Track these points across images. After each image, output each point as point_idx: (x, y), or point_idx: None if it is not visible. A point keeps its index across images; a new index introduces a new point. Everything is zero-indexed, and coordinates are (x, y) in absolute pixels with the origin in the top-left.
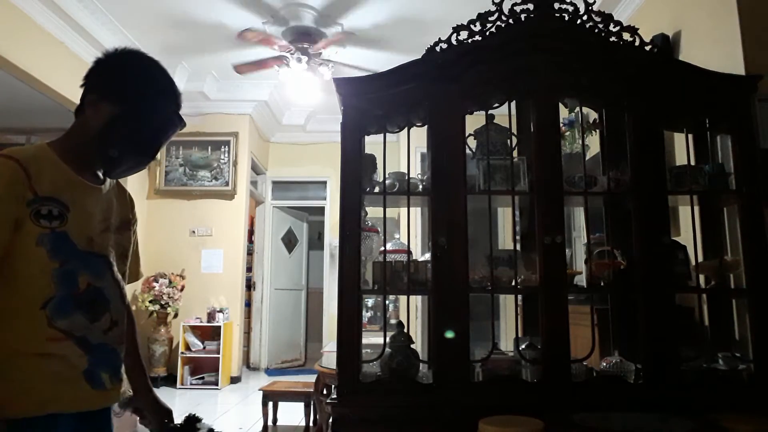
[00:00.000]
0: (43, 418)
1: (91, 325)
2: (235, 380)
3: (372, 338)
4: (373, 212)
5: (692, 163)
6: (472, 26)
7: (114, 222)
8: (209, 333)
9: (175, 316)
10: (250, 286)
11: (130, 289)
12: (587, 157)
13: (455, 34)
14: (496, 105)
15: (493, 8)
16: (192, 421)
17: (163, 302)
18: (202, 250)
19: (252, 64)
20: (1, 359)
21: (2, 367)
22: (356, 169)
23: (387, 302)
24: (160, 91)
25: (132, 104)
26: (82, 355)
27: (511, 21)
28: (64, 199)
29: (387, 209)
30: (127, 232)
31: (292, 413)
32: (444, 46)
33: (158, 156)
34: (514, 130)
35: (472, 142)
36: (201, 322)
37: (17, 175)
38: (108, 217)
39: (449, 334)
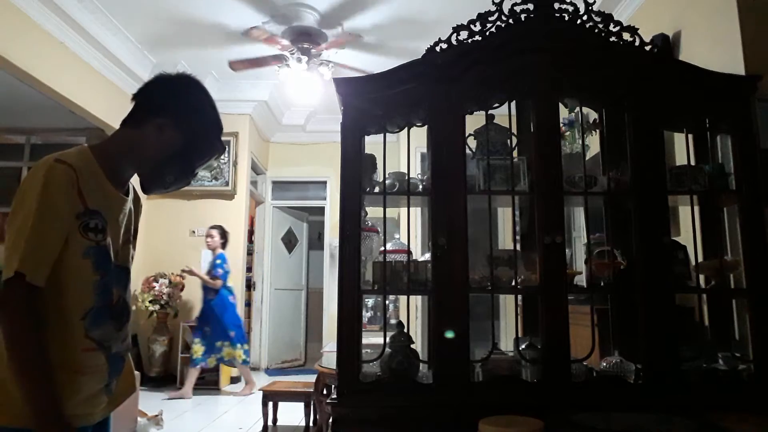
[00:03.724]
0: None
1: (117, 334)
2: (235, 380)
3: (372, 338)
4: (373, 212)
5: (692, 163)
6: (472, 26)
7: (131, 232)
8: None
9: (175, 316)
10: (250, 286)
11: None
12: (587, 157)
13: (455, 34)
14: (496, 105)
15: (493, 8)
16: None
17: (163, 302)
18: (202, 250)
19: (248, 61)
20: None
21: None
22: (356, 169)
23: (387, 302)
24: (216, 124)
25: (200, 141)
26: (104, 365)
27: (511, 21)
28: (105, 213)
29: (387, 209)
30: (134, 240)
31: (292, 413)
32: (444, 46)
33: None
34: (514, 130)
35: (472, 142)
36: None
37: (73, 186)
38: (129, 228)
39: (449, 334)
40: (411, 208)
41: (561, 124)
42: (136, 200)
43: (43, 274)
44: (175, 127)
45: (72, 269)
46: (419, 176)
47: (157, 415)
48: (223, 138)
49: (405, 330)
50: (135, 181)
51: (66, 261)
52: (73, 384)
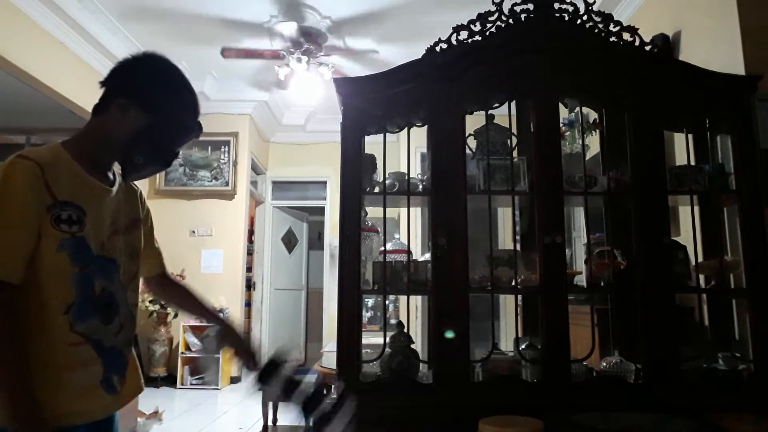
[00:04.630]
0: (64, 429)
1: (105, 328)
2: (235, 380)
3: (372, 338)
4: (373, 212)
5: (692, 163)
6: (472, 26)
7: (122, 223)
8: None
9: (175, 316)
10: (250, 286)
11: None
12: (587, 157)
13: (455, 34)
14: (496, 105)
15: (493, 8)
16: (274, 363)
17: (163, 302)
18: (202, 250)
19: (242, 50)
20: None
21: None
22: (356, 169)
23: (387, 302)
24: (188, 103)
25: (165, 116)
26: (96, 359)
27: (511, 21)
28: (81, 203)
29: (387, 209)
30: (137, 231)
31: (292, 413)
32: (444, 46)
33: None
34: (514, 130)
35: (472, 142)
36: (201, 322)
37: (37, 178)
38: (117, 219)
39: (449, 334)
40: (411, 208)
41: (561, 124)
42: (129, 190)
43: (15, 269)
44: (137, 105)
45: (48, 263)
46: (419, 176)
47: (156, 412)
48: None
49: (405, 330)
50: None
51: (41, 255)
52: (61, 380)
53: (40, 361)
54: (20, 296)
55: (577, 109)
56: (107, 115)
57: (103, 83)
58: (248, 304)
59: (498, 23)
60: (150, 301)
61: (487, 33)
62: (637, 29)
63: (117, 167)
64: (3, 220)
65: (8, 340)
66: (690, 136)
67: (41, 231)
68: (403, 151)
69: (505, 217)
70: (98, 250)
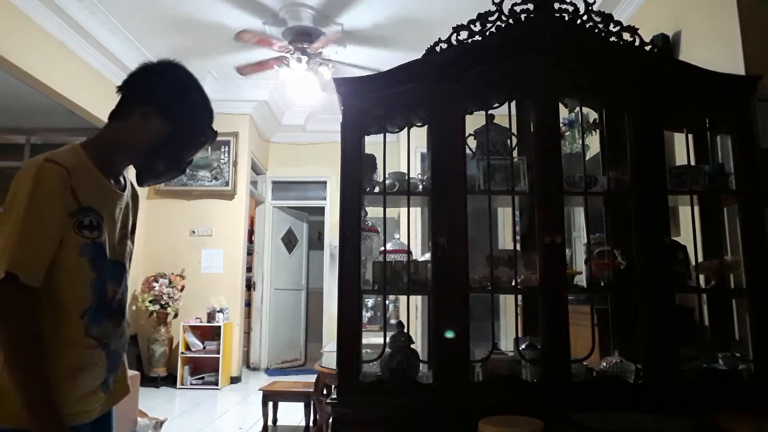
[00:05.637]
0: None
1: (114, 331)
2: (235, 380)
3: (372, 338)
4: (373, 212)
5: (692, 163)
6: (472, 26)
7: (129, 227)
8: (209, 333)
9: (175, 316)
10: (250, 286)
11: (130, 289)
12: (587, 157)
13: (455, 34)
14: (496, 105)
15: (493, 8)
16: None
17: (163, 302)
18: (202, 250)
19: (254, 65)
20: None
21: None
22: (356, 169)
23: (387, 302)
24: (205, 112)
25: (185, 124)
26: (104, 361)
27: (511, 21)
28: (99, 209)
29: (387, 209)
30: (133, 235)
31: (292, 413)
32: (444, 46)
33: None
34: (514, 130)
35: (472, 142)
36: (201, 322)
37: (65, 184)
38: (126, 224)
39: (449, 334)
40: (411, 208)
41: (561, 124)
42: (134, 195)
43: (38, 274)
44: (159, 114)
45: (69, 268)
46: (419, 176)
47: (160, 420)
48: (220, 134)
49: (405, 330)
50: (132, 176)
51: (62, 260)
52: (72, 381)
53: (57, 364)
54: (40, 300)
55: (577, 109)
56: (128, 122)
57: (120, 89)
58: (248, 304)
59: (498, 23)
60: (150, 301)
61: (487, 33)
62: (637, 29)
63: (132, 174)
64: (32, 225)
65: (31, 343)
66: (690, 136)
67: (63, 236)
68: (403, 151)
69: (505, 217)
70: (111, 255)
